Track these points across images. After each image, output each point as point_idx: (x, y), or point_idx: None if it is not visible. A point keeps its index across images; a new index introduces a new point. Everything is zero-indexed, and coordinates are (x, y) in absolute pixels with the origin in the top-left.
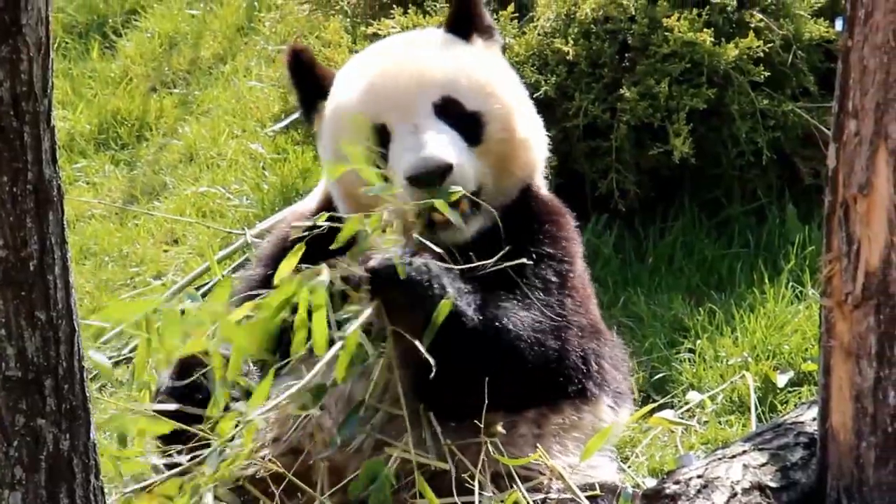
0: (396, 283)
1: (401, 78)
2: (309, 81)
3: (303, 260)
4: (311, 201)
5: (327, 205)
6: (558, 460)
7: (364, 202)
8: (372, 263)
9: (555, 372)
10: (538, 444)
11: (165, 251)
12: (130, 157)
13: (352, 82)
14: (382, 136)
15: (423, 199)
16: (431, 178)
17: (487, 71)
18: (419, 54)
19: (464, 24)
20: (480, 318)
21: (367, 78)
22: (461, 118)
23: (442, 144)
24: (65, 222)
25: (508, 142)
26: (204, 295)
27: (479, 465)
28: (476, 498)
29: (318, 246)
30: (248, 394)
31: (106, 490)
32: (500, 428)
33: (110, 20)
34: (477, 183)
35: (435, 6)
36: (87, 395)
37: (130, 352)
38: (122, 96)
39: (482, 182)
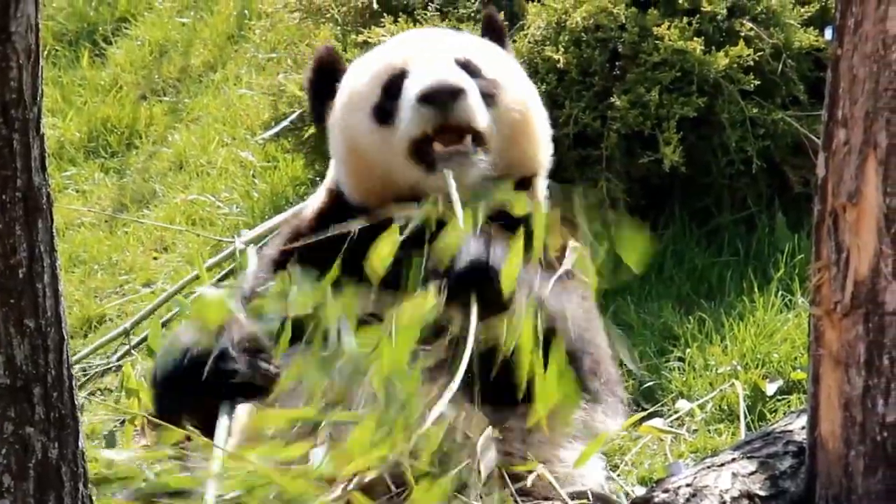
0: (492, 281)
1: (426, 37)
2: (330, 78)
3: (316, 264)
4: (315, 202)
5: (334, 203)
6: (546, 452)
7: (380, 191)
8: (467, 262)
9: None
10: (525, 439)
11: (155, 259)
12: (120, 165)
13: (368, 59)
14: (398, 81)
15: (433, 121)
16: (443, 96)
17: (511, 63)
18: (447, 30)
19: (493, 34)
20: (551, 310)
21: (388, 45)
22: (480, 78)
23: (457, 73)
24: (54, 230)
25: (521, 121)
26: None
27: (475, 469)
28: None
29: (330, 249)
30: None
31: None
32: (491, 431)
33: (100, 28)
34: (488, 135)
35: (425, 14)
36: (76, 403)
37: (119, 360)
38: (111, 104)
39: (491, 146)
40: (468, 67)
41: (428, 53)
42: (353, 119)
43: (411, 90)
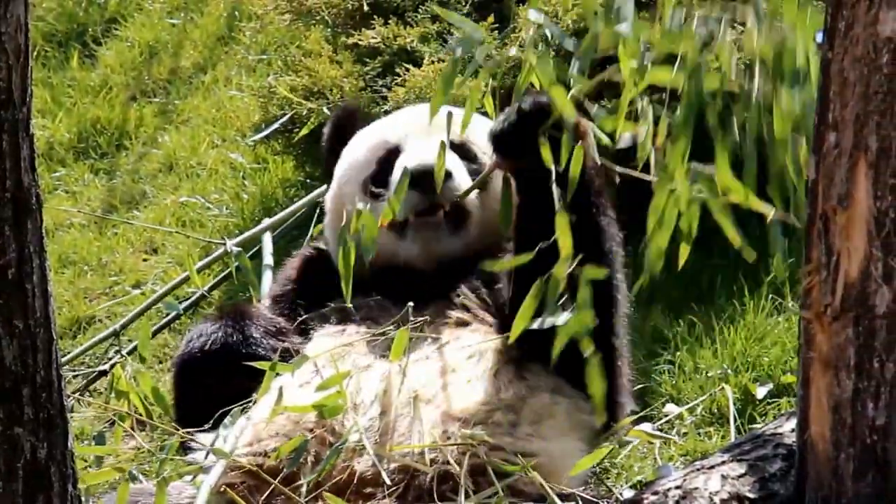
0: None
1: (424, 115)
2: (348, 136)
3: (312, 300)
4: (305, 252)
5: (319, 259)
6: (534, 445)
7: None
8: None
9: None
10: (513, 433)
11: (145, 260)
12: (110, 166)
13: (370, 133)
14: (392, 158)
15: (416, 204)
16: (428, 177)
17: None
18: (448, 108)
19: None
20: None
21: (388, 120)
22: (473, 162)
23: (448, 156)
24: (43, 231)
25: None
26: (187, 308)
27: (464, 468)
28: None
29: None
30: None
31: (83, 499)
32: (483, 435)
33: (90, 29)
34: (473, 214)
35: (415, 17)
36: (65, 403)
37: (110, 362)
38: (101, 105)
39: (473, 222)
40: (462, 149)
41: (424, 133)
42: (347, 189)
43: (399, 170)
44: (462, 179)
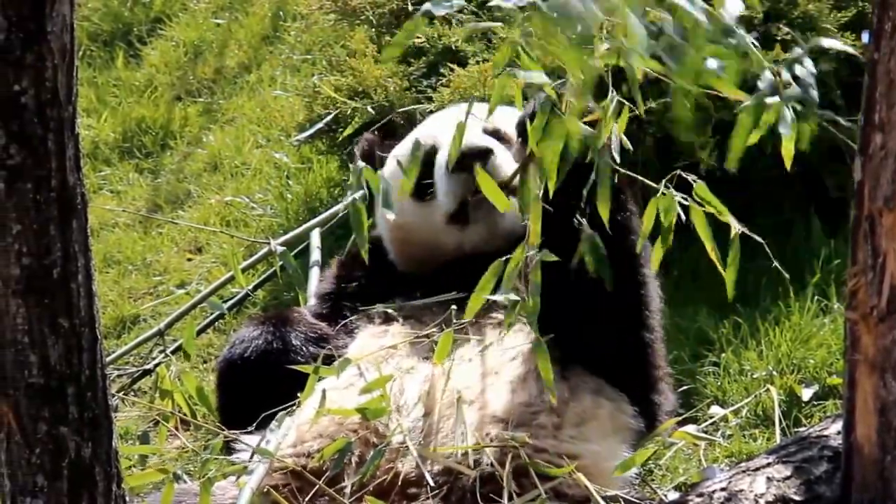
0: None
1: (456, 112)
2: (375, 165)
3: (359, 298)
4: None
5: (375, 253)
6: (577, 447)
7: (421, 258)
8: None
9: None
10: (556, 434)
11: (189, 260)
12: (154, 166)
13: (405, 143)
14: (431, 157)
15: (467, 185)
16: (471, 158)
17: None
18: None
19: None
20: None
21: (422, 126)
22: (510, 144)
23: (483, 137)
24: (88, 230)
25: None
26: (231, 307)
27: (507, 470)
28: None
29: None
30: None
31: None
32: (525, 437)
33: (135, 29)
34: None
35: (460, 16)
36: (110, 403)
37: (154, 362)
38: (146, 105)
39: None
40: (497, 135)
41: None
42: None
43: (442, 162)
44: (502, 157)
